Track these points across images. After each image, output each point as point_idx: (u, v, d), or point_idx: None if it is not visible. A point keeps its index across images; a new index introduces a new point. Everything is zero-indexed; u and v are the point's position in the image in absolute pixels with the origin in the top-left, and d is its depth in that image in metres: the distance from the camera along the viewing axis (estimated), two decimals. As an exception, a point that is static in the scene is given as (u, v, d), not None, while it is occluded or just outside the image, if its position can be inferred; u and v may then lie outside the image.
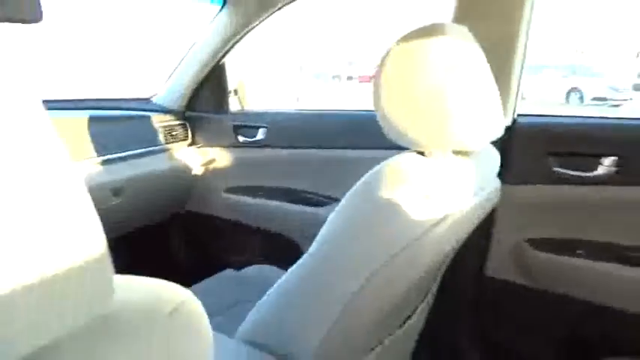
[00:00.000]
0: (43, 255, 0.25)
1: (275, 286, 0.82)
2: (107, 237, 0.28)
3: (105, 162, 1.44)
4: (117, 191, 1.47)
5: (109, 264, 0.28)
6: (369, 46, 24.60)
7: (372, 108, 0.79)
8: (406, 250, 0.69)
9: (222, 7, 1.46)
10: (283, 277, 0.81)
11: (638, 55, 16.38)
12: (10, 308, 0.23)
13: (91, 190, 0.26)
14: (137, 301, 0.33)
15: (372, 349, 0.87)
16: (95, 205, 0.27)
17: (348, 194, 0.75)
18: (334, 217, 0.76)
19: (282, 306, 0.81)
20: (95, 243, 0.27)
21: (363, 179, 0.74)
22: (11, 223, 0.23)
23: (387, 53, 0.76)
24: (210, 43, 1.57)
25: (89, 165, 1.39)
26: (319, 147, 1.53)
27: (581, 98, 13.00)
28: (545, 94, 13.50)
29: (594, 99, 12.76)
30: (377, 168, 0.73)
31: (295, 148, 1.59)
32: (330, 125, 1.56)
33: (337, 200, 1.01)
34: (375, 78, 0.78)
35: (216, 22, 1.51)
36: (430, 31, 0.73)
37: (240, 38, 1.54)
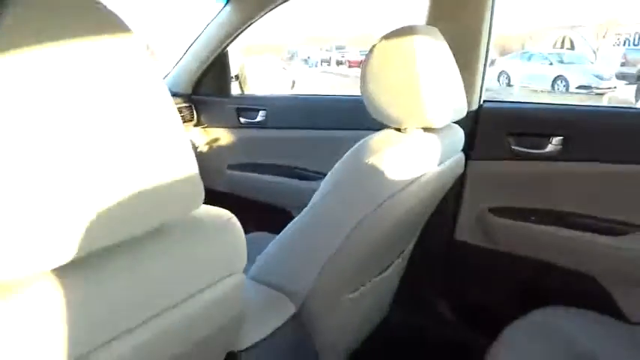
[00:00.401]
0: (163, 169, 0.44)
1: (277, 237, 1.02)
2: None
3: None
4: None
5: (199, 180, 0.48)
6: (355, 32, 24.61)
7: (358, 93, 1.00)
8: (384, 205, 0.90)
9: (227, 3, 1.64)
10: (285, 230, 1.01)
11: (620, 44, 16.60)
12: (137, 198, 0.42)
13: None
14: (209, 210, 0.54)
15: (356, 289, 1.08)
16: None
17: (338, 163, 0.95)
18: (326, 180, 0.96)
19: (283, 252, 1.01)
20: (192, 167, 0.47)
21: (350, 151, 0.95)
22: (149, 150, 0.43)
23: (372, 48, 0.96)
24: (215, 35, 1.75)
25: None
26: (313, 128, 1.73)
27: (567, 86, 13.20)
28: (531, 82, 13.69)
29: (579, 87, 12.96)
30: (363, 141, 0.94)
31: (291, 128, 1.79)
32: (322, 108, 1.76)
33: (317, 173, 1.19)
34: (362, 68, 0.98)
35: (221, 17, 1.69)
36: (407, 31, 0.93)
37: (242, 31, 1.72)
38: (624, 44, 16.83)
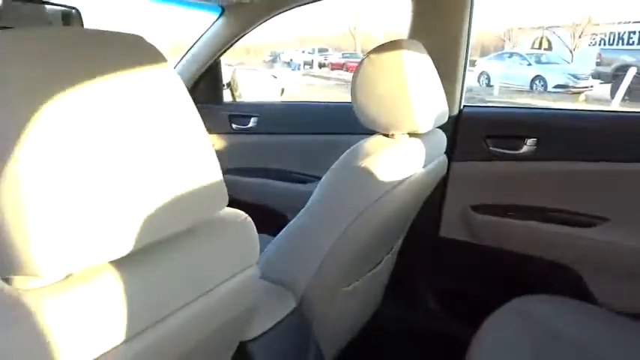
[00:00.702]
0: (190, 176, 0.52)
1: (277, 237, 1.11)
2: None
3: None
4: None
5: (223, 184, 0.56)
6: (336, 32, 24.70)
7: (346, 100, 1.09)
8: (376, 204, 0.99)
9: (220, 16, 1.72)
10: (284, 230, 1.10)
11: (596, 43, 16.99)
12: (176, 201, 0.50)
13: None
14: (227, 210, 0.62)
15: (351, 283, 1.17)
16: None
17: (332, 167, 1.04)
18: (322, 183, 1.05)
19: (283, 251, 1.09)
20: (218, 173, 0.55)
21: (344, 155, 1.04)
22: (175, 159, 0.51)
23: (363, 61, 1.05)
24: (208, 45, 1.83)
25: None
26: (303, 133, 1.82)
27: (545, 86, 13.48)
28: (510, 82, 13.96)
29: (556, 86, 13.25)
30: (355, 146, 1.03)
31: (283, 134, 1.87)
32: (312, 115, 1.85)
33: (318, 178, 1.29)
34: (352, 79, 1.07)
35: (214, 28, 1.77)
36: (394, 46, 1.03)
37: (234, 42, 1.80)
38: (599, 44, 17.24)
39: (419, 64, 1.05)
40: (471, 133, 1.49)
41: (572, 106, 8.25)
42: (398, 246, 1.42)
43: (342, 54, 22.18)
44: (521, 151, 1.43)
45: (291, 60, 21.72)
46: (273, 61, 21.02)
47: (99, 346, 0.46)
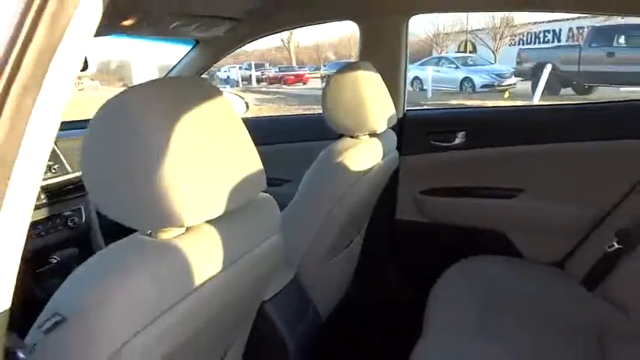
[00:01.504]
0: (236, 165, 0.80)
1: None
2: None
3: None
4: None
5: (263, 173, 0.84)
6: (268, 48, 24.97)
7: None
8: (349, 191, 1.30)
9: (193, 47, 1.99)
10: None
11: (516, 43, 18.23)
12: (238, 183, 0.78)
13: None
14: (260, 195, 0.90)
15: (332, 258, 1.47)
16: None
17: (312, 165, 1.34)
18: (306, 178, 1.35)
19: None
20: (260, 165, 0.83)
21: (320, 155, 1.34)
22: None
23: (330, 79, 1.37)
24: (184, 72, 2.08)
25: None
26: (277, 143, 2.09)
27: (473, 87, 14.32)
28: (442, 85, 14.73)
29: (483, 86, 14.12)
30: (328, 147, 1.33)
31: (262, 145, 2.14)
32: (285, 126, 2.15)
33: (289, 181, 1.57)
34: (322, 94, 1.38)
35: (188, 58, 2.03)
36: (353, 67, 1.35)
37: (206, 69, 2.07)
38: (519, 44, 18.52)
39: (371, 79, 1.38)
40: (414, 132, 1.83)
41: (496, 104, 9.01)
42: (364, 229, 1.73)
43: (279, 68, 22.50)
44: (455, 142, 1.79)
45: (228, 77, 21.70)
46: (210, 78, 20.88)
47: (200, 278, 0.71)
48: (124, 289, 0.60)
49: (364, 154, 1.35)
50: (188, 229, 0.70)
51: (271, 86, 19.60)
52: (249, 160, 0.79)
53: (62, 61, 0.45)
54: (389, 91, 1.49)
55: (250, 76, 21.74)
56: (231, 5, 1.63)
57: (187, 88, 0.74)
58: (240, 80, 21.38)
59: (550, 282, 1.60)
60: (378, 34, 1.77)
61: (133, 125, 0.62)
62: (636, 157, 1.57)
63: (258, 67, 22.63)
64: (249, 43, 1.94)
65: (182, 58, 2.03)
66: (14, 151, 0.43)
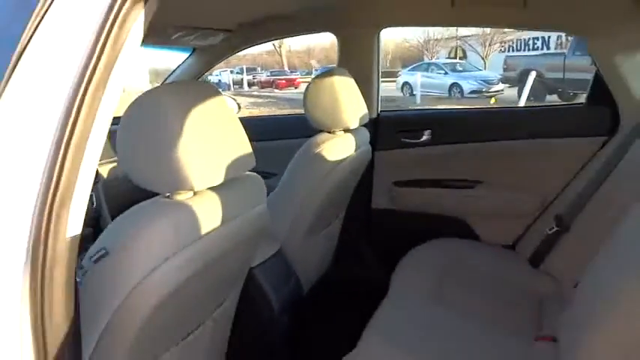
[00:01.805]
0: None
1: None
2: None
3: None
4: None
5: (252, 154, 1.07)
6: (260, 52, 25.13)
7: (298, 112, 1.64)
8: (326, 177, 1.54)
9: (191, 54, 2.22)
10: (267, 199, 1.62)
11: (505, 50, 18.57)
12: (234, 159, 1.02)
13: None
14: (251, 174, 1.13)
15: (314, 234, 1.70)
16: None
17: (295, 155, 1.58)
18: (288, 167, 1.59)
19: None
20: (249, 147, 1.06)
21: (303, 146, 1.58)
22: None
23: (310, 84, 1.61)
24: (181, 77, 2.31)
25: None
26: (262, 140, 2.33)
27: (461, 92, 14.60)
28: (431, 91, 14.99)
29: (471, 92, 14.41)
30: (309, 140, 1.58)
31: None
32: (274, 125, 2.39)
33: (275, 174, 1.81)
34: (304, 97, 1.62)
35: (186, 65, 2.27)
36: (330, 73, 1.59)
37: (202, 74, 2.31)
38: (508, 50, 18.88)
39: (346, 83, 1.62)
40: (387, 130, 2.08)
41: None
42: (342, 215, 1.97)
43: (271, 72, 22.73)
44: (422, 139, 2.04)
45: (219, 81, 21.88)
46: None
47: (204, 229, 0.95)
48: (151, 231, 0.84)
49: (338, 147, 1.59)
50: (195, 193, 0.93)
51: (263, 90, 19.80)
52: (241, 145, 1.03)
53: (119, 69, 0.68)
54: (364, 94, 1.73)
55: (242, 79, 21.92)
56: (225, 18, 1.88)
57: (195, 89, 0.98)
58: (231, 84, 21.50)
59: (501, 260, 1.85)
60: (354, 44, 2.02)
61: (157, 116, 0.86)
62: (574, 153, 1.84)
63: (250, 70, 22.81)
64: (241, 51, 2.18)
65: (180, 64, 2.27)
66: (87, 134, 0.67)
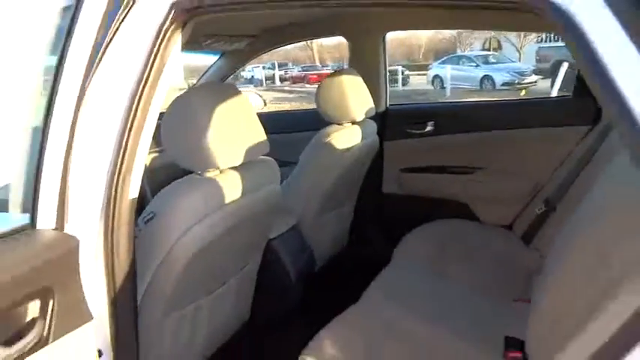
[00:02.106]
0: None
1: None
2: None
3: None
4: None
5: (266, 141, 1.32)
6: (292, 47, 25.33)
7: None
8: (336, 162, 1.79)
9: (220, 57, 2.51)
10: (284, 183, 1.88)
11: (541, 41, 18.26)
12: (252, 144, 1.28)
13: None
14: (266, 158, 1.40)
15: (328, 212, 1.95)
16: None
17: (307, 146, 1.84)
18: (302, 154, 1.85)
19: (286, 192, 1.87)
20: (263, 135, 1.32)
21: (315, 136, 1.83)
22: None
23: (321, 83, 1.86)
24: (212, 77, 2.60)
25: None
26: (287, 132, 2.59)
27: (493, 85, 14.50)
28: (462, 83, 14.91)
29: (504, 84, 14.29)
30: (321, 131, 1.83)
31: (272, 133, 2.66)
32: (293, 119, 2.65)
33: (294, 163, 2.06)
34: (317, 92, 1.87)
35: (215, 67, 2.56)
36: (339, 73, 1.84)
37: (230, 75, 2.59)
38: (546, 41, 18.57)
39: (354, 81, 1.87)
40: (395, 122, 2.31)
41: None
42: (354, 199, 2.21)
43: (302, 67, 22.99)
44: (425, 130, 2.27)
45: (252, 76, 22.31)
46: (235, 78, 21.43)
47: (228, 199, 1.21)
48: (186, 200, 1.12)
49: (346, 137, 1.83)
50: (221, 171, 1.20)
51: (294, 85, 20.08)
52: (257, 134, 1.29)
53: (164, 76, 0.95)
54: (373, 90, 1.97)
55: (274, 75, 22.27)
56: (250, 25, 2.14)
57: (219, 90, 1.25)
58: (264, 79, 21.92)
59: (497, 238, 2.05)
60: (362, 47, 2.27)
61: (189, 112, 1.14)
62: (562, 141, 2.02)
63: (282, 66, 23.09)
64: (264, 53, 2.45)
65: (210, 66, 2.56)
66: (143, 122, 0.94)
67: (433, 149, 2.28)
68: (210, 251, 1.20)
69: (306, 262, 1.87)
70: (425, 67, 17.86)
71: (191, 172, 1.21)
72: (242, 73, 22.24)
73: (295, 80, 20.84)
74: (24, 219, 0.92)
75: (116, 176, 0.91)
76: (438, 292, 1.60)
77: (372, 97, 1.98)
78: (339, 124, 1.87)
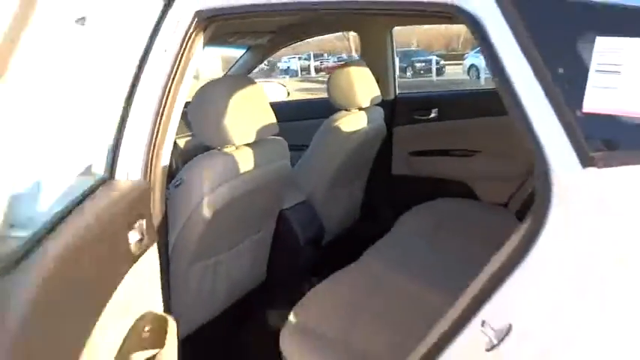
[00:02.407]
0: None
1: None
2: None
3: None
4: None
5: (275, 122, 1.58)
6: (328, 37, 25.40)
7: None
8: (342, 144, 2.03)
9: (247, 51, 2.78)
10: (297, 164, 2.13)
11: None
12: (263, 125, 1.54)
13: None
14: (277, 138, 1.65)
15: (338, 188, 2.20)
16: None
17: (319, 128, 2.09)
18: (314, 137, 2.10)
19: (297, 170, 2.12)
20: (273, 118, 1.58)
21: (325, 121, 2.07)
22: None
23: (331, 74, 2.10)
24: (239, 69, 2.87)
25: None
26: (303, 119, 2.84)
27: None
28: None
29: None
30: (331, 116, 2.07)
31: (285, 121, 2.92)
32: (308, 107, 2.90)
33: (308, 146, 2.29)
34: (329, 80, 2.11)
35: (242, 60, 2.83)
36: (349, 65, 2.08)
37: (255, 67, 2.86)
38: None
39: (361, 72, 2.10)
40: (402, 109, 2.53)
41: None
42: (364, 179, 2.44)
43: (338, 58, 23.07)
44: (430, 116, 2.48)
45: (288, 67, 22.55)
46: (271, 69, 21.72)
47: (243, 169, 1.48)
48: (208, 170, 1.40)
49: (353, 121, 2.07)
50: (237, 147, 1.47)
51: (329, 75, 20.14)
52: (268, 117, 1.55)
53: (189, 72, 1.22)
54: (382, 80, 2.20)
55: (309, 66, 22.49)
56: (270, 22, 2.40)
57: (236, 81, 1.52)
58: (299, 70, 22.16)
59: (492, 215, 2.25)
60: (372, 40, 2.50)
61: (214, 98, 1.41)
62: None
63: (317, 57, 23.23)
64: (283, 48, 2.71)
65: (238, 60, 2.84)
66: (172, 108, 1.21)
67: (437, 134, 2.49)
68: (228, 211, 1.48)
69: (315, 232, 2.12)
70: (461, 57, 17.68)
71: (212, 149, 1.48)
72: (278, 64, 22.57)
73: (330, 71, 20.50)
74: (105, 176, 1.19)
75: (154, 142, 1.19)
76: (428, 258, 1.81)
77: (381, 86, 2.21)
78: (347, 110, 2.11)
